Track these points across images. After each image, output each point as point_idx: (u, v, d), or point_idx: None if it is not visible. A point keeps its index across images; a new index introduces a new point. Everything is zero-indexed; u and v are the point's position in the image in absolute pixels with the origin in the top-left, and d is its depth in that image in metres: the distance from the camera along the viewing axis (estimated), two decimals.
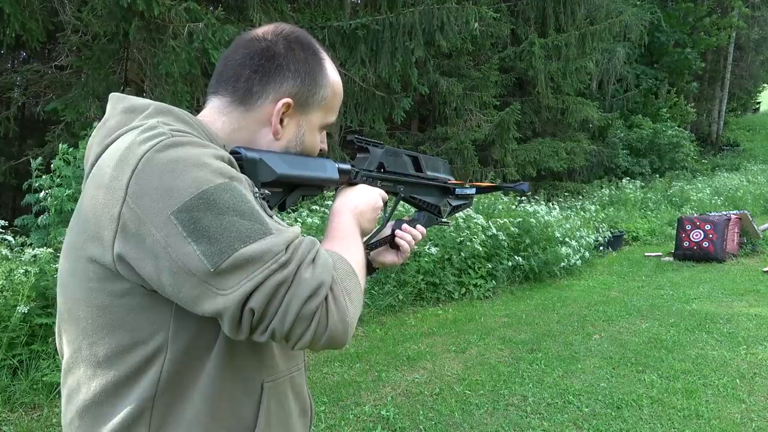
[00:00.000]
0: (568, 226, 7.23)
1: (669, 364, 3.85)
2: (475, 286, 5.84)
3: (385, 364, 3.89)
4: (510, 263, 6.10)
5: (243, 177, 0.73)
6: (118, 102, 0.83)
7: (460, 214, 6.00)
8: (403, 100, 7.54)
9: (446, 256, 5.67)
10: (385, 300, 5.06)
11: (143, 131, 0.72)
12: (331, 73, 0.90)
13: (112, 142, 0.76)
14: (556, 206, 7.98)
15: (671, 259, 7.71)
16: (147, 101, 0.81)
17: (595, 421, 3.06)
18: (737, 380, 3.58)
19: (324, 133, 0.94)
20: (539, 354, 4.08)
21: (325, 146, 0.95)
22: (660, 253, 8.14)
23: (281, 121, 0.85)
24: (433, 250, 5.41)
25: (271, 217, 0.75)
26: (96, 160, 0.77)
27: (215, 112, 0.86)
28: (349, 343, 3.24)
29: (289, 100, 0.84)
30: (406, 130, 11.83)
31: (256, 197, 0.74)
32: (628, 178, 13.44)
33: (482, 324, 4.88)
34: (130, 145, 0.71)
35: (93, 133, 0.84)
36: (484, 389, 3.47)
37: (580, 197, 11.62)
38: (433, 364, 3.89)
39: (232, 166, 0.74)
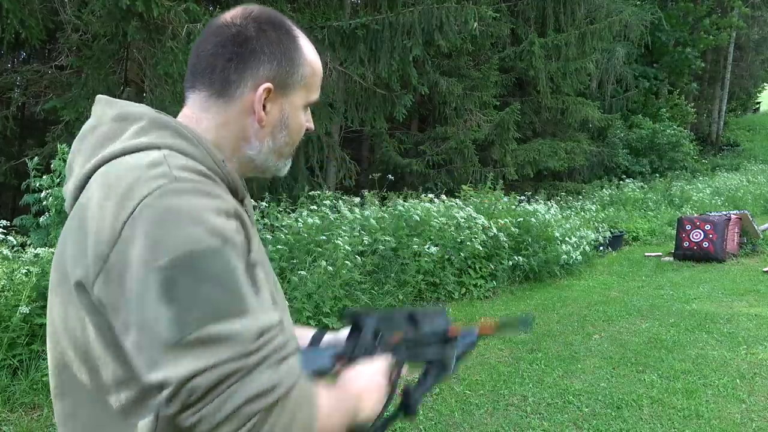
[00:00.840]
0: (568, 226, 7.23)
1: (669, 364, 3.85)
2: (475, 286, 5.84)
3: None
4: (510, 263, 6.10)
5: (239, 240, 0.69)
6: (107, 107, 0.80)
7: (460, 214, 6.00)
8: (404, 98, 7.54)
9: (446, 256, 5.67)
10: (385, 300, 5.06)
11: (149, 167, 0.69)
12: (308, 50, 0.87)
13: (105, 160, 0.73)
14: (555, 206, 7.96)
15: (671, 259, 7.71)
16: (139, 109, 0.79)
17: (595, 421, 3.06)
18: (737, 380, 3.58)
19: (309, 111, 0.91)
20: (539, 354, 4.08)
21: (311, 125, 0.92)
22: (660, 253, 8.14)
23: (264, 107, 0.82)
24: (433, 249, 5.41)
25: (255, 284, 0.70)
26: (85, 176, 0.74)
27: (197, 110, 0.83)
28: None
29: (268, 84, 0.81)
30: (406, 130, 11.84)
31: (248, 265, 0.70)
32: (630, 178, 13.46)
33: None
34: (133, 182, 0.67)
35: (79, 137, 0.81)
36: (484, 389, 3.47)
37: (580, 197, 11.62)
38: None
39: (237, 217, 0.72)
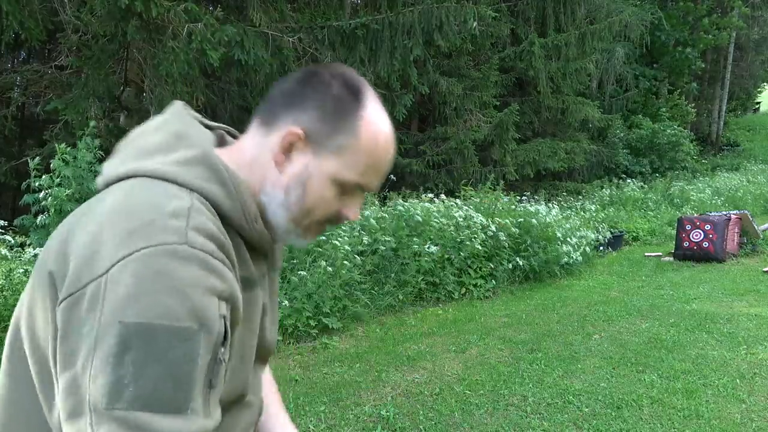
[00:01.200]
0: (568, 226, 7.23)
1: (669, 364, 3.85)
2: (475, 286, 5.84)
3: (385, 364, 3.88)
4: (510, 264, 6.10)
5: (217, 329, 0.65)
6: (176, 119, 0.79)
7: (458, 213, 6.00)
8: (404, 98, 7.54)
9: (446, 256, 5.67)
10: (385, 300, 5.06)
11: (170, 216, 0.65)
12: (370, 126, 0.77)
13: (141, 173, 0.71)
14: (556, 206, 7.96)
15: (671, 259, 7.71)
16: (199, 137, 0.77)
17: (595, 421, 3.06)
18: (737, 380, 3.57)
19: (356, 197, 0.81)
20: (539, 354, 4.08)
21: (350, 213, 0.82)
22: (660, 253, 8.13)
23: (290, 151, 0.77)
24: (433, 249, 5.41)
25: (212, 383, 0.66)
26: (118, 177, 0.72)
27: (246, 137, 0.81)
28: None
29: (300, 130, 0.76)
30: (406, 130, 11.84)
31: (217, 359, 0.66)
32: (630, 178, 13.46)
33: (482, 324, 4.88)
34: (147, 224, 0.64)
35: (139, 131, 0.79)
36: (484, 389, 3.47)
37: (580, 197, 11.62)
38: (433, 364, 3.89)
39: (230, 300, 0.68)
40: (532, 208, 6.83)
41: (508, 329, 4.70)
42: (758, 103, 30.67)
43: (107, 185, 0.74)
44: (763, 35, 23.59)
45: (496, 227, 5.90)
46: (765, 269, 6.73)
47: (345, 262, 4.84)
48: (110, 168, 0.76)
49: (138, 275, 0.61)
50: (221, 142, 0.87)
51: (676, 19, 18.69)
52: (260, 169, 0.78)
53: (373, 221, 5.45)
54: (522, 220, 6.51)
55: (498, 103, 11.77)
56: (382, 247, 5.25)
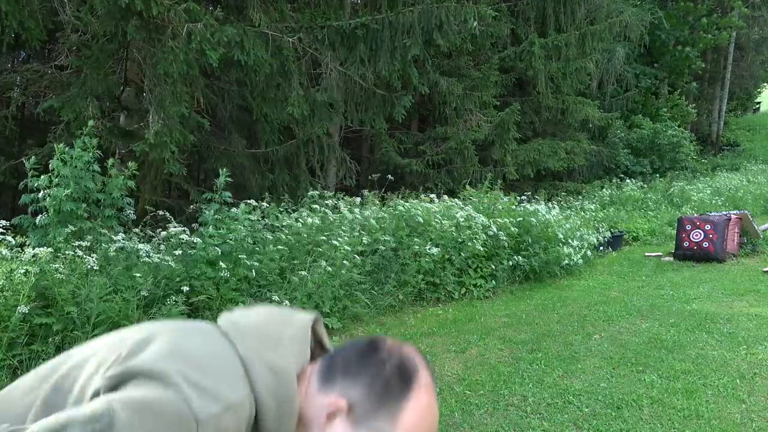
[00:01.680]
0: (568, 226, 7.22)
1: (669, 365, 3.85)
2: (475, 286, 5.84)
3: None
4: (510, 263, 6.10)
5: None
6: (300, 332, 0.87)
7: (460, 214, 6.00)
8: (404, 99, 7.55)
9: (447, 256, 5.67)
10: (385, 300, 5.06)
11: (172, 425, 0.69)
12: (411, 416, 0.79)
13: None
14: (556, 206, 7.96)
15: (671, 259, 7.71)
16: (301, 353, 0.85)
17: (595, 421, 3.05)
18: (737, 380, 3.57)
19: None
20: (539, 354, 4.07)
21: None
22: (660, 253, 8.13)
23: (332, 420, 0.79)
24: (434, 250, 5.40)
25: None
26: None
27: (310, 373, 0.85)
28: None
29: (344, 403, 0.79)
30: (406, 131, 11.85)
31: None
32: (630, 179, 13.46)
33: (482, 324, 4.88)
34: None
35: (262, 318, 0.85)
36: (484, 389, 3.47)
37: (580, 197, 11.62)
38: (433, 364, 3.89)
39: None
40: (531, 208, 6.83)
41: (508, 329, 4.70)
42: (758, 103, 30.67)
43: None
44: (763, 35, 23.57)
45: (497, 227, 5.89)
46: (765, 269, 6.73)
47: (345, 261, 4.84)
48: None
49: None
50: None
51: (676, 18, 18.68)
52: (311, 418, 0.81)
53: (373, 221, 5.45)
54: (522, 219, 6.51)
55: (498, 103, 11.77)
56: (382, 247, 5.25)
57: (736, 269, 6.99)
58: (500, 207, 6.68)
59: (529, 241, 6.45)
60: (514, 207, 7.11)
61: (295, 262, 4.83)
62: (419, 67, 8.59)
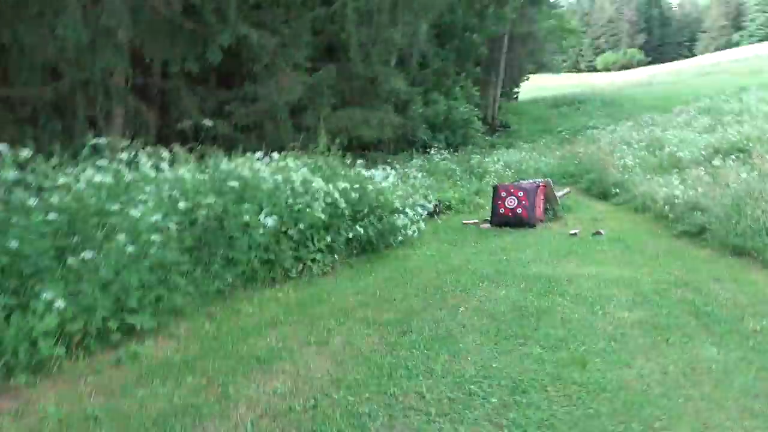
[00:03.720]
0: (400, 193, 6.82)
1: (544, 333, 3.58)
2: (313, 261, 5.01)
3: (228, 373, 2.84)
4: (351, 234, 5.41)
5: None
6: None
7: (295, 176, 5.07)
8: (223, 35, 6.18)
9: (283, 228, 4.71)
10: (212, 285, 3.92)
11: None
12: None
13: None
14: (392, 172, 7.53)
15: (489, 226, 7.90)
16: None
17: (510, 414, 2.53)
18: (613, 343, 3.44)
19: None
20: (413, 336, 3.46)
21: None
22: (477, 221, 8.31)
23: None
24: (269, 221, 4.41)
25: None
26: None
27: None
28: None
29: None
30: (204, 86, 10.20)
31: None
32: (429, 150, 13.97)
33: (335, 305, 4.09)
34: None
35: None
36: (368, 391, 2.71)
37: (393, 170, 11.52)
38: (293, 365, 2.99)
39: None
40: (367, 173, 6.23)
41: (366, 309, 3.99)
42: (517, 92, 35.25)
43: None
44: (528, 30, 26.91)
45: (339, 194, 5.13)
46: (571, 232, 7.24)
47: (154, 236, 3.57)
48: None
49: None
50: None
51: (466, 4, 20.00)
52: None
53: (188, 178, 4.21)
54: (359, 186, 5.85)
55: (310, 66, 10.94)
56: (203, 212, 4.07)
57: (547, 233, 7.40)
58: (341, 171, 5.91)
59: (366, 210, 5.84)
60: (343, 173, 6.41)
61: (76, 238, 3.38)
62: (221, 14, 7.25)
